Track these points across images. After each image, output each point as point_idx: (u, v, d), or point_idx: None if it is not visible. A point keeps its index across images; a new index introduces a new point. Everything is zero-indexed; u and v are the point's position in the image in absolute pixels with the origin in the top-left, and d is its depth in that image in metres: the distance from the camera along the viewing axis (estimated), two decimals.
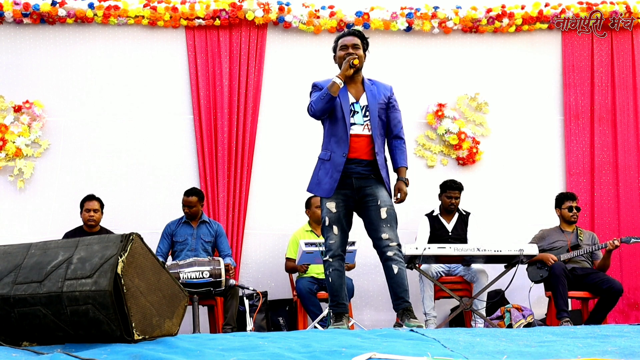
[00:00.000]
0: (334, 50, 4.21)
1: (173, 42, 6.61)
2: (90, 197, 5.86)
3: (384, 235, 3.98)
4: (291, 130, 6.65)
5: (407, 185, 4.15)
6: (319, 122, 4.17)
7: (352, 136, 4.04)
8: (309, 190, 4.20)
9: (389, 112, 4.19)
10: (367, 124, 4.07)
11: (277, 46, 6.71)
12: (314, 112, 4.11)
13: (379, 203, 4.02)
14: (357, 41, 4.12)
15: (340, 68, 4.09)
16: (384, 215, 4.00)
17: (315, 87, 4.20)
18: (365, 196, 4.05)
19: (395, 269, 3.95)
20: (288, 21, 6.62)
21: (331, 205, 4.05)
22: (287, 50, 6.73)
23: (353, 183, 4.05)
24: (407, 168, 4.22)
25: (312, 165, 6.49)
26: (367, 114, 4.08)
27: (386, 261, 3.99)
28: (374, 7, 6.72)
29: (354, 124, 4.06)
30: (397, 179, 4.18)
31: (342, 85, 4.01)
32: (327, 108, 4.04)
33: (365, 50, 4.18)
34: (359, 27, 6.64)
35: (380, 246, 4.01)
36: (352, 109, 4.08)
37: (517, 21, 6.77)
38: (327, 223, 4.06)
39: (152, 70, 6.60)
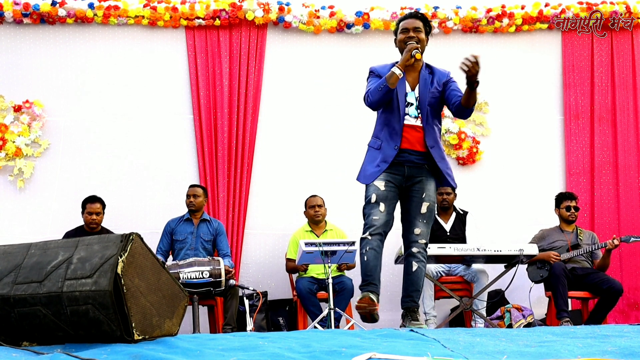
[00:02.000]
0: (395, 33, 4.00)
1: (173, 42, 6.61)
2: (93, 199, 5.81)
3: (417, 230, 3.88)
4: (291, 130, 6.66)
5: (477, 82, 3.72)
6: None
7: (406, 127, 3.87)
8: (357, 179, 3.99)
9: (449, 91, 3.91)
10: (420, 116, 3.89)
11: (277, 46, 6.72)
12: (370, 103, 3.89)
13: (423, 196, 3.89)
14: (419, 24, 3.90)
15: (400, 52, 3.86)
16: (423, 209, 3.88)
17: (372, 73, 3.98)
18: (413, 185, 3.91)
19: (415, 266, 3.87)
20: (288, 21, 6.62)
21: (380, 184, 3.83)
22: (287, 50, 6.74)
23: (405, 171, 3.89)
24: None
25: (312, 165, 6.60)
26: (420, 105, 3.90)
27: (408, 256, 3.91)
28: (374, 7, 6.72)
29: (407, 114, 3.88)
30: None
31: (402, 75, 3.79)
32: (384, 100, 3.83)
33: (428, 34, 3.96)
34: (359, 27, 6.65)
35: (409, 239, 3.91)
36: (407, 99, 3.90)
37: (517, 21, 6.78)
38: (373, 199, 3.81)
39: (152, 70, 6.60)
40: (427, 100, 3.90)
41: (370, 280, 3.79)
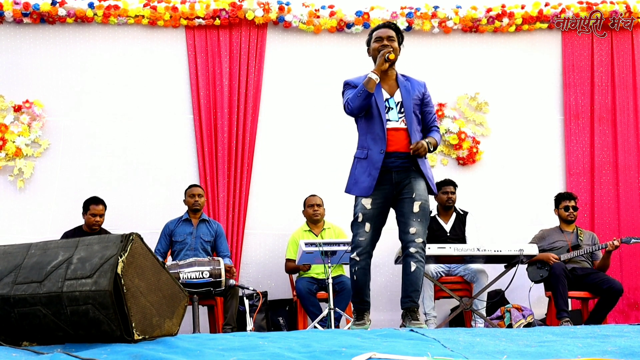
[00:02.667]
0: (368, 43, 4.11)
1: (173, 42, 6.61)
2: (96, 201, 5.76)
3: (412, 230, 3.91)
4: (291, 130, 6.66)
5: (430, 145, 3.94)
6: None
7: (389, 130, 3.94)
8: (346, 191, 4.05)
9: (424, 108, 4.09)
10: (402, 120, 3.97)
11: (277, 46, 6.72)
12: (351, 110, 3.98)
13: (413, 196, 3.93)
14: (392, 33, 4.01)
15: (374, 61, 3.99)
16: (416, 208, 3.92)
17: (348, 85, 4.09)
18: (403, 188, 3.96)
19: (413, 266, 3.90)
20: (288, 21, 6.62)
21: (367, 202, 3.93)
22: (287, 50, 6.73)
23: (393, 178, 3.95)
24: (436, 140, 4.03)
25: (312, 165, 6.59)
26: (402, 110, 3.98)
27: (406, 257, 3.93)
28: (374, 6, 6.72)
29: (389, 120, 3.96)
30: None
31: (378, 80, 3.90)
32: (364, 105, 3.93)
33: (400, 43, 4.07)
34: (359, 27, 6.65)
35: (405, 240, 3.94)
36: (387, 104, 3.98)
37: (517, 21, 6.78)
38: (359, 219, 3.94)
39: (152, 70, 6.60)
40: (411, 106, 4.00)
41: (362, 298, 4.04)
